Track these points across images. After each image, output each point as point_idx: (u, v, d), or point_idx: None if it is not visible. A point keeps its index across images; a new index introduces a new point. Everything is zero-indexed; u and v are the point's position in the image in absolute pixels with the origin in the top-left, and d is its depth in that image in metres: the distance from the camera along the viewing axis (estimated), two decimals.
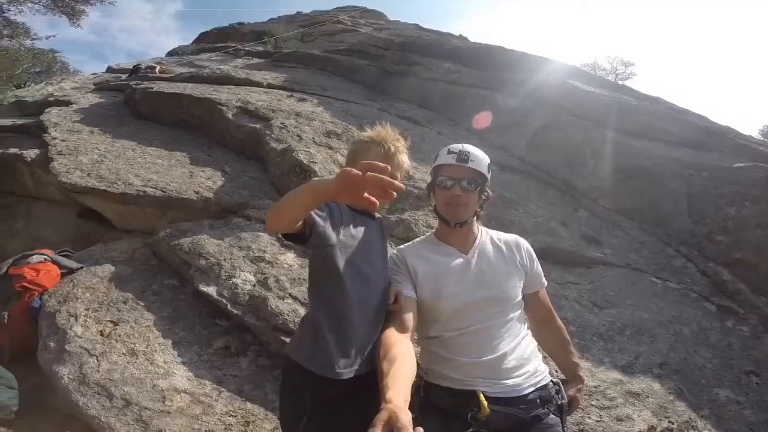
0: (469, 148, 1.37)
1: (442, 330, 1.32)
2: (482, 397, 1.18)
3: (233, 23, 10.48)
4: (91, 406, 1.70)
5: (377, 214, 1.39)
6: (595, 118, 4.35)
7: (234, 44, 8.48)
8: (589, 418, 1.77)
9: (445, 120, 5.35)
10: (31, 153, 3.30)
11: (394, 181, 0.84)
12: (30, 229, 3.49)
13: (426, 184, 1.50)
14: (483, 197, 1.39)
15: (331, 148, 3.48)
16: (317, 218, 1.06)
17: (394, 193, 0.84)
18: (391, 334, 1.15)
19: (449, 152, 1.35)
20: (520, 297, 1.36)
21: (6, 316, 2.19)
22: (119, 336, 2.07)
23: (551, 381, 1.34)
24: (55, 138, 3.36)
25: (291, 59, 6.95)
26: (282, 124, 3.57)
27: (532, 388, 1.26)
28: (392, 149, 1.28)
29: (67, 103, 4.85)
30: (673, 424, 1.83)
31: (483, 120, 4.59)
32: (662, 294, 2.79)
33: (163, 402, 1.74)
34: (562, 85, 4.86)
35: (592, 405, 1.82)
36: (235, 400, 1.80)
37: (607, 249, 3.13)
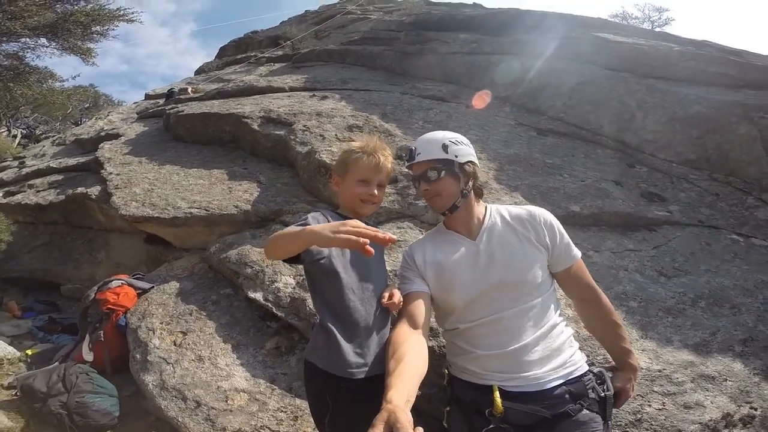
0: (418, 140, 1.37)
1: (457, 322, 1.30)
2: (497, 393, 1.15)
3: (247, 33, 10.75)
4: (171, 408, 1.97)
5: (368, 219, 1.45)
6: (634, 69, 4.11)
7: (254, 53, 8.73)
8: (650, 405, 1.56)
9: (471, 92, 5.19)
10: (95, 190, 3.72)
11: (378, 232, 0.98)
12: (111, 258, 3.96)
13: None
14: (462, 177, 1.31)
15: (353, 141, 3.56)
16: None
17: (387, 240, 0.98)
18: (401, 332, 1.14)
19: (403, 155, 1.42)
20: (540, 279, 1.26)
21: (102, 335, 2.56)
22: (188, 344, 2.34)
23: (591, 371, 1.24)
24: (111, 173, 3.75)
25: (309, 58, 7.05)
26: (304, 126, 3.69)
27: (560, 381, 1.17)
28: (381, 159, 1.34)
29: (117, 136, 5.31)
30: (756, 410, 1.56)
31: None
32: (746, 254, 2.44)
33: (226, 401, 1.96)
34: (591, 40, 4.58)
35: (654, 391, 1.60)
36: (285, 396, 1.98)
37: (674, 205, 2.86)
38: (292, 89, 5.52)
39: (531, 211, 1.35)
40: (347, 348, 1.19)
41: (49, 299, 3.87)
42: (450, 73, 5.54)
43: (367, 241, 0.94)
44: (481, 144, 3.52)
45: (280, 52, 8.26)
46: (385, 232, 0.99)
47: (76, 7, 6.22)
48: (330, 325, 1.21)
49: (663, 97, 3.63)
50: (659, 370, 1.68)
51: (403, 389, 0.93)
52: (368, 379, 1.19)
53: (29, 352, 2.91)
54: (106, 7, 6.37)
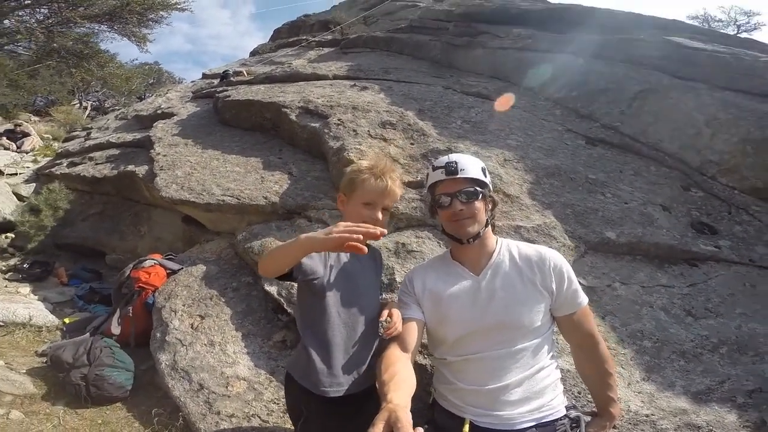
0: (455, 157, 1.31)
1: (445, 353, 1.31)
2: (467, 427, 1.17)
3: (300, 16, 10.88)
4: (176, 388, 2.09)
5: (369, 243, 1.45)
6: (710, 80, 3.66)
7: (305, 36, 8.82)
8: None
9: (520, 90, 4.94)
10: (142, 169, 3.97)
11: (370, 228, 0.99)
12: (153, 232, 4.26)
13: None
14: (489, 204, 1.32)
15: (385, 139, 3.47)
16: (303, 258, 1.17)
17: (379, 234, 0.99)
18: (392, 354, 1.18)
19: (435, 168, 1.32)
20: (538, 323, 1.24)
21: (131, 311, 2.77)
22: (204, 328, 2.46)
23: (567, 416, 1.23)
24: (159, 154, 3.97)
25: (357, 44, 7.01)
26: (339, 120, 3.68)
27: (531, 424, 1.17)
28: (389, 183, 1.33)
29: (171, 115, 5.62)
30: None
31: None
32: None
33: (226, 387, 2.06)
34: (661, 44, 4.13)
35: None
36: (281, 389, 2.03)
37: (725, 240, 2.58)
38: (335, 77, 5.52)
39: (542, 254, 1.30)
40: (322, 369, 1.24)
41: (95, 267, 4.23)
42: (499, 69, 5.26)
43: (360, 237, 0.97)
44: (520, 151, 3.33)
45: (329, 37, 8.28)
46: (376, 227, 1.00)
47: None
48: (308, 347, 1.26)
49: (738, 113, 3.21)
50: (647, 416, 1.62)
51: (402, 393, 0.98)
52: (344, 398, 1.25)
53: (66, 320, 3.20)
54: None
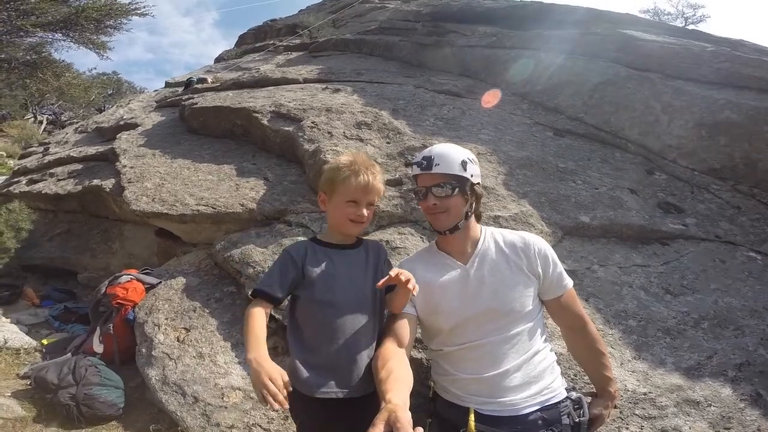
0: (435, 150, 1.29)
1: (442, 344, 1.31)
2: (472, 416, 1.17)
3: (266, 21, 10.73)
4: (171, 402, 2.05)
5: (365, 239, 1.46)
6: (662, 70, 3.89)
7: (272, 41, 8.72)
8: (627, 428, 1.56)
9: (488, 87, 5.06)
10: (109, 183, 3.81)
11: (278, 395, 1.01)
12: (125, 248, 4.09)
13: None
14: (470, 197, 1.30)
15: (361, 140, 3.49)
16: (275, 293, 1.25)
17: None
18: (388, 349, 1.18)
19: (415, 161, 1.32)
20: (530, 307, 1.26)
21: (111, 328, 2.66)
22: (191, 341, 2.40)
23: (569, 398, 1.25)
24: (125, 166, 3.83)
25: (326, 47, 6.99)
26: (313, 123, 3.66)
27: (535, 407, 1.19)
28: (371, 179, 1.30)
29: (134, 126, 5.41)
30: None
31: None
32: (761, 273, 2.33)
33: (222, 398, 2.03)
34: (617, 37, 4.35)
35: (635, 414, 1.59)
36: None
37: (690, 218, 2.72)
38: (306, 80, 5.48)
39: (525, 239, 1.33)
40: (305, 370, 1.22)
41: (67, 287, 4.03)
42: (467, 67, 5.39)
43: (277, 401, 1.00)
44: (492, 145, 3.42)
45: (297, 41, 8.22)
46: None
47: (88, 2, 6.29)
48: (293, 347, 1.27)
49: (691, 100, 3.43)
50: (644, 394, 1.66)
51: (400, 392, 0.98)
52: (346, 403, 1.22)
53: (45, 341, 3.06)
54: (119, 1, 6.43)
